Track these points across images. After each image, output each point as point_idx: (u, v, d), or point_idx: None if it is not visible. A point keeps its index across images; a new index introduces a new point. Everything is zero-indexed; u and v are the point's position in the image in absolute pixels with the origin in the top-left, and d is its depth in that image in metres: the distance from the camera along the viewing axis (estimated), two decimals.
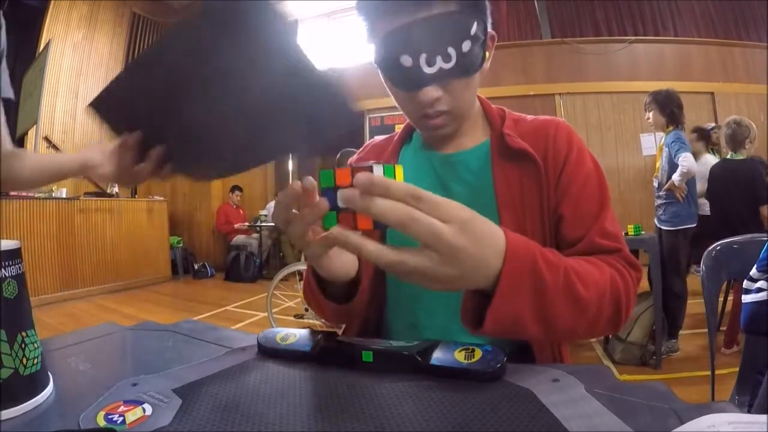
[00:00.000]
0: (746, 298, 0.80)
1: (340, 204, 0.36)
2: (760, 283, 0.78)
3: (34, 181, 0.71)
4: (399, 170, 0.38)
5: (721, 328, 2.26)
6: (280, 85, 0.45)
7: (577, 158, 0.61)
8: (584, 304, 0.45)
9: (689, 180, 2.31)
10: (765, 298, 0.76)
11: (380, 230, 0.38)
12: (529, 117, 0.67)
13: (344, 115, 0.47)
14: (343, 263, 0.51)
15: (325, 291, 0.57)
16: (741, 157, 2.46)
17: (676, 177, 2.28)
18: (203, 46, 0.45)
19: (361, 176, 0.34)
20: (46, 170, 0.70)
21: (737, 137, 2.44)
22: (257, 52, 0.44)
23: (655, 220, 2.53)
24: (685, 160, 2.22)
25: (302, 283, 0.62)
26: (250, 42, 0.44)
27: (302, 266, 2.75)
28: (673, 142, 2.32)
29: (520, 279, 0.39)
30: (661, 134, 2.50)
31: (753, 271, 0.81)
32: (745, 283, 0.82)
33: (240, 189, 5.80)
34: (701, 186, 2.57)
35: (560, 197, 0.60)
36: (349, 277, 0.53)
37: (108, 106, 0.55)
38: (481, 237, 0.36)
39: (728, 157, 2.53)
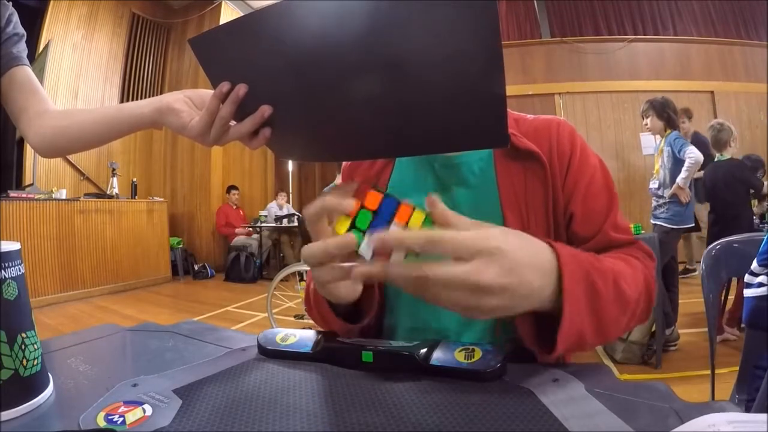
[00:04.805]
0: (747, 293, 0.80)
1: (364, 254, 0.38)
2: (761, 278, 0.78)
3: (103, 132, 0.63)
4: (419, 215, 0.38)
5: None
6: (460, 87, 0.36)
7: (581, 156, 0.61)
8: (629, 304, 0.46)
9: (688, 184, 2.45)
10: (765, 293, 0.76)
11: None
12: (530, 116, 0.67)
13: (494, 139, 0.39)
14: (349, 288, 0.48)
15: (335, 310, 0.55)
16: (728, 156, 2.67)
17: (682, 175, 2.39)
18: (376, 26, 0.36)
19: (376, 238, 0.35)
20: (115, 118, 0.61)
21: (721, 140, 2.66)
22: (450, 50, 0.34)
23: (651, 218, 2.59)
24: (692, 152, 2.38)
25: (303, 298, 0.61)
26: (445, 34, 0.34)
27: (302, 267, 2.75)
28: (675, 139, 2.48)
29: (579, 298, 0.39)
30: (659, 138, 2.64)
31: (754, 265, 0.81)
32: (747, 278, 0.82)
33: (236, 188, 5.79)
34: None
35: (568, 196, 0.60)
36: (356, 298, 0.49)
37: (212, 47, 0.45)
38: (519, 262, 0.34)
39: (716, 159, 2.72)
